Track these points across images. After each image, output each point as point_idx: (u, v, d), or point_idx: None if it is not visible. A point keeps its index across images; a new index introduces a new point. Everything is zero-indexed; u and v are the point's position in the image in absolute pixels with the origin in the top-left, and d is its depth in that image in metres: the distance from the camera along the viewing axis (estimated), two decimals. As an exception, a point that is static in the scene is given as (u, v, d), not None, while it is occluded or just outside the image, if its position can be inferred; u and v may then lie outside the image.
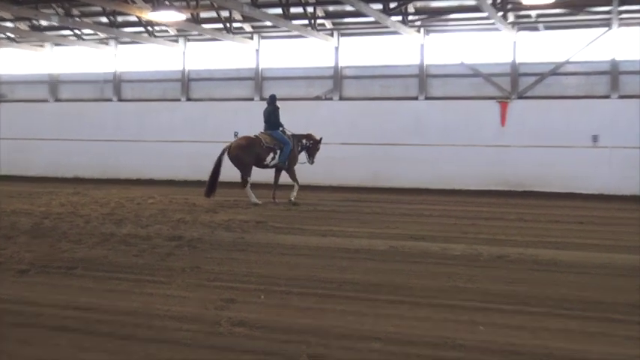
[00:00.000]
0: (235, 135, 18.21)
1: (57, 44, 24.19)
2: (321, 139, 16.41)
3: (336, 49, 21.09)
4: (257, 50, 21.96)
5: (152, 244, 9.66)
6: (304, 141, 16.15)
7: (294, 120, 20.81)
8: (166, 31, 22.48)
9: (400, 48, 20.66)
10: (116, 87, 23.69)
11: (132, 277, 7.62)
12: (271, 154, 15.38)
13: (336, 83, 21.15)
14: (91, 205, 14.52)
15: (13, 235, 10.29)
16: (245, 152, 15.05)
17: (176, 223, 11.91)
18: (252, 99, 21.99)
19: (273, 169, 15.71)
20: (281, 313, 6.25)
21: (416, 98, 20.42)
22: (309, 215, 13.35)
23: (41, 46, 24.49)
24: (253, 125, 20.05)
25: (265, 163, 15.38)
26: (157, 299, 6.71)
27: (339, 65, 21.15)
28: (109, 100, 23.77)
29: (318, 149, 16.35)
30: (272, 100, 15.78)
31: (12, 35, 23.63)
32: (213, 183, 15.05)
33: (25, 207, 13.91)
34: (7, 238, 10.02)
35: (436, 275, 7.86)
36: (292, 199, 15.28)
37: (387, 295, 6.95)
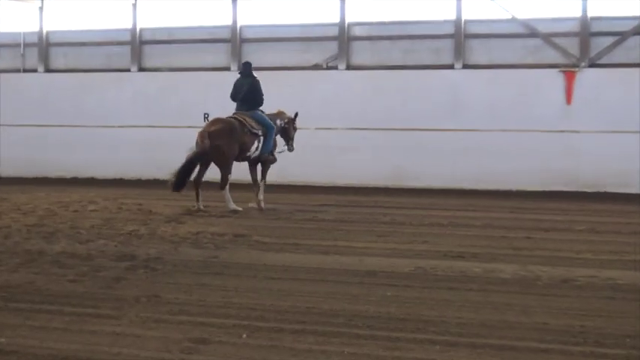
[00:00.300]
0: (206, 118, 18.26)
1: (-38, -5, 24.32)
2: (296, 115, 16.64)
3: (343, -1, 21.22)
4: (234, 2, 22.07)
5: (95, 266, 9.74)
6: (278, 121, 16.35)
7: (282, 97, 20.97)
8: (111, -24, 22.63)
9: (429, -2, 20.81)
10: (42, 52, 23.80)
11: (68, 310, 7.70)
12: (255, 143, 15.51)
13: (342, 46, 21.27)
14: (11, 213, 14.59)
15: None
16: (229, 141, 15.17)
17: (127, 237, 11.98)
18: (227, 68, 22.12)
19: (246, 163, 15.96)
20: (270, 358, 6.34)
21: (451, 67, 20.54)
22: (307, 226, 13.44)
23: (-60, -3, 24.64)
24: (226, 104, 20.16)
25: (248, 154, 15.53)
26: (103, 339, 6.79)
27: (347, 22, 21.27)
28: (34, 70, 23.89)
29: (295, 129, 16.70)
30: (248, 69, 16.03)
31: None
32: (184, 178, 15.16)
33: None
34: None
35: (478, 306, 7.95)
36: (262, 203, 15.54)
37: (413, 332, 7.03)
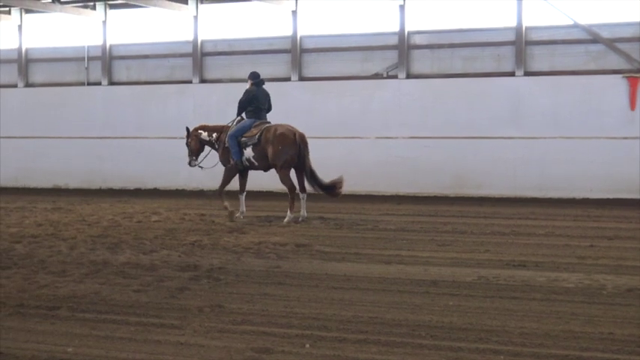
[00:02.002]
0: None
1: (27, 10, 24.76)
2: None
3: (402, 7, 21.19)
4: (294, 12, 22.19)
5: (159, 276, 9.90)
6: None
7: (342, 107, 21.04)
8: (172, -12, 22.86)
9: (490, 5, 20.67)
10: (106, 65, 24.16)
11: (133, 320, 7.82)
12: None
13: (402, 55, 21.25)
14: (77, 224, 14.88)
15: (-25, 265, 10.63)
16: None
17: (190, 247, 12.15)
18: (288, 79, 22.22)
19: (241, 172, 16.41)
20: (333, 367, 6.38)
21: (512, 74, 20.40)
22: (368, 236, 13.48)
23: (6, 13, 25.10)
24: (290, 113, 20.30)
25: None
26: (167, 349, 6.89)
27: (406, 30, 21.25)
28: (97, 83, 24.24)
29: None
30: (260, 79, 16.34)
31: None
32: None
33: (-12, 228, 14.35)
34: (-31, 269, 10.37)
35: (542, 315, 7.90)
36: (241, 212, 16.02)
37: (475, 342, 7.02)
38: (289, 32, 22.26)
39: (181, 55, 23.45)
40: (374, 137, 20.68)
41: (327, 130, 21.14)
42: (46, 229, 14.26)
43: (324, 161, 20.91)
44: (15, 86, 25.24)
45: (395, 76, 21.31)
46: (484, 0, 20.72)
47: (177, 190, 22.24)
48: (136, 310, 8.25)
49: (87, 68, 24.43)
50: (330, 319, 7.77)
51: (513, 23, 20.34)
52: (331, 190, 15.68)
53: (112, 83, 24.13)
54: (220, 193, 16.37)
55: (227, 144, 16.07)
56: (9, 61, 25.36)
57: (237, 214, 15.81)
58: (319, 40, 22.17)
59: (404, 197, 19.91)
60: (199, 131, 16.88)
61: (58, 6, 23.56)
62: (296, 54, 22.15)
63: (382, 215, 16.38)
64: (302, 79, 22.02)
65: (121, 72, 24.21)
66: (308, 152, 15.62)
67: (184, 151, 21.94)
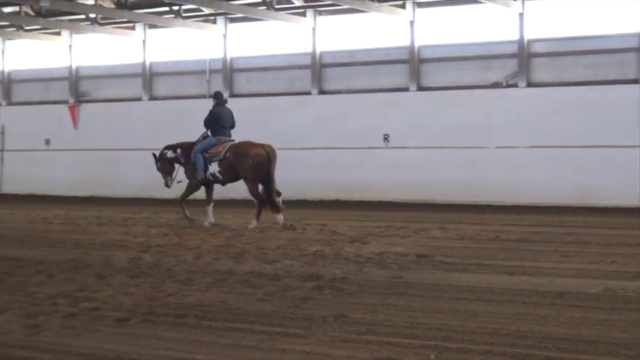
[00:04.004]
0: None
1: (151, 25, 25.40)
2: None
3: (521, 16, 20.94)
4: (411, 22, 22.18)
5: (282, 286, 9.99)
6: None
7: (461, 116, 20.91)
8: (291, 1, 23.08)
9: (612, 11, 20.23)
10: (227, 78, 24.58)
11: (258, 329, 7.91)
12: None
13: (522, 64, 20.99)
14: (201, 234, 15.20)
15: (106, 273, 10.96)
16: None
17: (312, 257, 12.24)
18: (406, 89, 22.21)
19: (207, 185, 17.24)
20: (459, 379, 6.34)
21: (636, 81, 19.93)
22: (491, 246, 13.34)
23: (131, 28, 25.80)
24: (409, 124, 20.33)
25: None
26: (293, 357, 6.95)
27: (526, 38, 20.98)
28: (219, 95, 24.62)
29: None
30: (223, 99, 17.55)
31: (94, 16, 25.02)
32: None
33: (119, 237, 14.76)
34: (100, 277, 10.69)
35: (674, 329, 7.70)
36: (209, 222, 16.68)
37: (604, 355, 6.88)
38: (407, 42, 22.24)
39: (300, 67, 23.69)
40: (494, 147, 20.50)
41: (446, 140, 21.08)
42: (172, 238, 14.59)
43: (443, 171, 20.92)
44: (140, 99, 25.91)
45: (515, 85, 21.08)
46: (606, 6, 20.29)
47: (297, 200, 22.39)
48: (261, 318, 8.33)
49: (208, 81, 24.91)
50: (454, 330, 7.71)
51: (637, 29, 19.86)
52: (274, 205, 16.10)
53: (233, 95, 24.50)
54: (181, 203, 17.16)
55: (193, 159, 16.91)
56: (134, 75, 26.06)
57: (205, 223, 16.54)
58: (437, 49, 22.09)
59: (525, 207, 19.62)
60: (164, 151, 17.67)
61: (180, 21, 24.09)
62: (414, 64, 22.11)
63: (504, 225, 16.18)
64: (420, 89, 21.97)
65: (241, 84, 24.60)
66: (275, 165, 16.30)
67: (304, 160, 22.27)
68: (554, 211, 18.91)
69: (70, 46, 27.22)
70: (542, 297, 9.17)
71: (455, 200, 20.45)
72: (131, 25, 25.64)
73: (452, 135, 21.07)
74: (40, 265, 11.78)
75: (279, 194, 16.31)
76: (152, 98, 25.88)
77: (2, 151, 28.08)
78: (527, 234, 14.79)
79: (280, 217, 16.08)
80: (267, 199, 16.15)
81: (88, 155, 26.17)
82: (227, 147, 16.64)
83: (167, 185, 17.83)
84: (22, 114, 28.02)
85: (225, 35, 24.59)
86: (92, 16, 25.13)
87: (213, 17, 24.52)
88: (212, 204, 17.07)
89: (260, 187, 16.32)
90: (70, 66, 27.25)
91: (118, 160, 25.57)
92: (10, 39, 28.19)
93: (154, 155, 17.82)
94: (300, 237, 14.65)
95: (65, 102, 27.00)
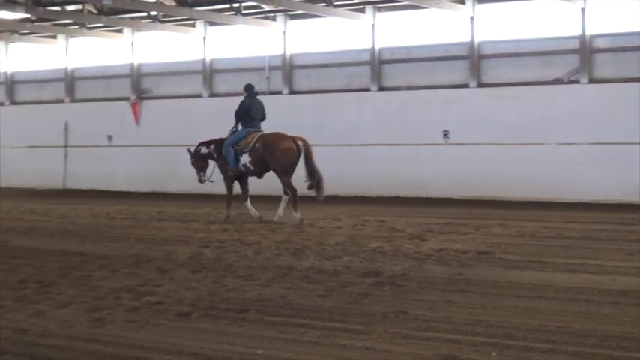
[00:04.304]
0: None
1: (211, 23, 25.55)
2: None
3: (583, 11, 20.68)
4: (471, 18, 22.00)
5: (342, 282, 10.01)
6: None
7: (522, 112, 20.72)
8: (349, -3, 23.11)
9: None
10: (286, 75, 24.64)
11: (319, 324, 7.94)
12: None
13: (584, 59, 20.72)
14: (261, 229, 15.30)
15: (168, 268, 11.09)
16: None
17: (371, 253, 12.25)
18: (466, 85, 22.07)
19: (241, 180, 17.43)
20: (521, 376, 6.29)
21: (701, 76, 19.60)
22: (552, 244, 13.21)
23: (191, 26, 25.99)
24: (468, 120, 20.22)
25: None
26: (354, 353, 6.96)
27: (588, 34, 20.71)
28: (278, 92, 24.74)
29: None
30: (254, 91, 17.51)
31: (155, 13, 25.26)
32: None
33: (180, 233, 14.91)
34: (162, 272, 10.82)
35: None
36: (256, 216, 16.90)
37: (670, 354, 6.79)
38: (467, 38, 22.09)
39: (359, 64, 23.66)
40: (555, 144, 20.28)
41: (506, 136, 20.94)
42: (232, 234, 14.70)
43: (503, 168, 20.77)
44: (200, 96, 26.10)
45: (576, 81, 20.82)
46: (671, 0, 19.96)
47: (356, 196, 22.42)
48: (322, 314, 8.36)
49: (268, 78, 24.99)
50: (516, 328, 7.66)
51: (703, 23, 19.54)
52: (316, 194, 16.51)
53: (292, 92, 24.59)
54: (228, 202, 17.24)
55: (224, 153, 17.05)
56: (194, 72, 26.26)
57: (256, 217, 16.85)
58: (497, 45, 21.91)
59: (586, 204, 19.36)
60: (199, 148, 17.90)
61: (240, 18, 24.21)
62: (474, 60, 21.95)
63: (565, 223, 16.01)
64: (480, 85, 21.82)
65: (301, 81, 24.65)
66: (312, 156, 16.53)
67: (363, 157, 22.29)
68: (616, 208, 18.63)
69: (132, 44, 27.50)
70: (605, 295, 9.07)
71: (515, 197, 20.26)
72: (192, 22, 25.83)
73: (512, 131, 20.90)
74: (103, 259, 11.95)
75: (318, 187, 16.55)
76: (212, 95, 26.06)
77: (66, 147, 28.48)
78: (589, 231, 14.61)
79: (297, 214, 16.28)
80: (316, 188, 16.47)
81: (150, 151, 26.42)
82: (256, 138, 16.79)
83: (200, 181, 18.01)
84: (85, 111, 28.39)
85: (284, 32, 24.64)
86: (153, 13, 25.38)
87: (272, 14, 24.59)
88: (248, 199, 17.26)
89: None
90: (132, 63, 27.53)
91: (179, 156, 25.71)
92: (73, 37, 28.56)
93: (189, 151, 18.07)
94: (359, 233, 14.66)
95: (127, 99, 27.29)
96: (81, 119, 28.22)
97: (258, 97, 17.68)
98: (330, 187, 22.77)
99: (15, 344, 7.27)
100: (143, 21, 25.96)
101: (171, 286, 9.79)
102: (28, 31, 28.24)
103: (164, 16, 25.52)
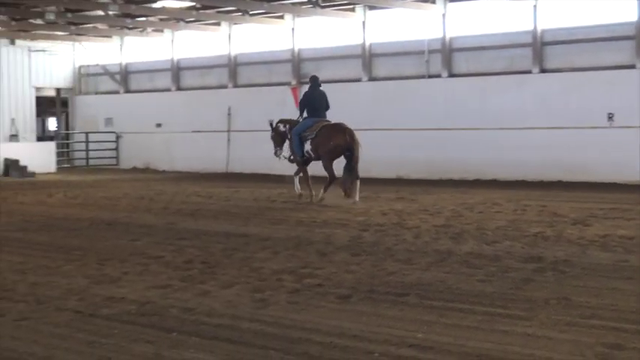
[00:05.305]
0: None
1: (370, 7, 25.60)
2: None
3: None
4: (639, -2, 21.26)
5: (502, 267, 9.89)
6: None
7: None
8: (512, -21, 22.71)
9: None
10: (445, 58, 24.46)
11: (479, 310, 7.86)
12: None
13: None
14: (420, 214, 15.26)
15: (328, 251, 11.21)
16: None
17: (533, 238, 12.04)
18: (632, 66, 21.33)
19: (306, 164, 18.09)
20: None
21: None
22: None
23: (351, 10, 26.10)
24: (631, 103, 19.62)
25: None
26: (515, 340, 6.86)
27: None
28: (437, 75, 24.60)
29: None
30: (317, 82, 18.18)
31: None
32: None
33: (339, 216, 15.03)
34: (322, 254, 10.94)
35: None
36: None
37: None
38: (633, 18, 21.34)
39: (521, 46, 23.23)
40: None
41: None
42: (391, 218, 14.72)
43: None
44: (359, 80, 26.21)
45: None
46: None
47: (516, 181, 22.08)
48: (482, 299, 8.28)
49: (427, 61, 24.87)
50: (685, 318, 7.41)
51: None
52: (345, 185, 17.11)
53: (451, 75, 24.40)
54: (294, 178, 17.97)
55: (292, 139, 18.01)
56: (354, 57, 26.39)
57: (298, 192, 17.72)
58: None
59: None
60: (279, 124, 18.66)
61: (399, 1, 24.18)
62: None
63: None
64: (650, 64, 21.10)
65: (460, 64, 24.42)
66: (357, 146, 17.06)
67: (523, 140, 22.00)
68: None
69: (293, 29, 27.85)
70: None
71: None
72: (351, 6, 25.95)
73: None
74: (265, 241, 12.17)
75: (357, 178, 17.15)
76: (371, 79, 26.13)
77: (229, 131, 29.15)
78: None
79: (356, 198, 17.02)
80: (348, 180, 17.10)
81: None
82: (319, 127, 17.50)
83: (276, 155, 18.79)
84: (247, 96, 28.97)
85: (444, 15, 24.44)
86: (314, -1, 25.67)
87: (432, -3, 24.47)
88: (297, 177, 17.92)
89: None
90: (293, 48, 27.90)
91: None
92: (236, 24, 29.16)
93: (271, 124, 18.82)
94: (520, 218, 14.45)
95: (288, 84, 27.68)
96: (243, 104, 28.81)
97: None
98: (488, 171, 22.72)
99: (182, 323, 7.50)
100: (303, 7, 26.25)
101: (331, 269, 9.89)
102: (193, 19, 29.02)
103: (324, 1, 25.74)
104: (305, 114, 17.97)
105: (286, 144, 18.48)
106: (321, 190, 17.25)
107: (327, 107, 18.03)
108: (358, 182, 17.14)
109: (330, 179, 17.31)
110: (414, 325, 7.36)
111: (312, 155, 17.68)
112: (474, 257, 10.57)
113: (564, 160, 21.53)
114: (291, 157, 18.36)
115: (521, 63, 23.22)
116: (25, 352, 6.65)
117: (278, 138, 18.66)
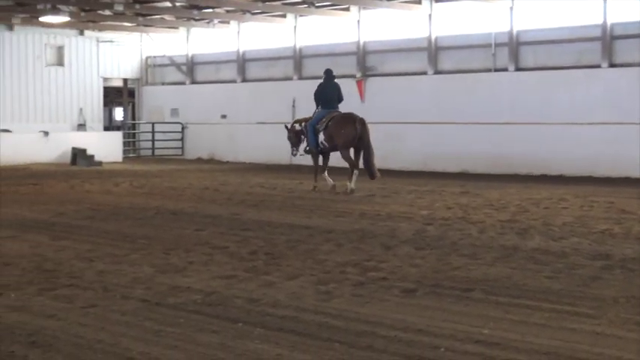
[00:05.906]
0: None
1: (437, -1, 25.49)
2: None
3: None
4: None
5: (569, 264, 9.76)
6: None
7: None
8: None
9: None
10: (512, 51, 24.20)
11: (546, 306, 7.77)
12: None
13: None
14: (485, 208, 15.13)
15: (392, 244, 11.17)
16: None
17: (600, 235, 11.87)
18: None
19: (322, 154, 18.75)
20: None
21: None
22: None
23: (417, 2, 25.97)
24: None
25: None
26: (583, 338, 6.77)
27: None
28: (504, 69, 24.37)
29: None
30: (331, 75, 18.87)
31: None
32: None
33: (403, 210, 14.97)
34: (387, 248, 10.90)
35: None
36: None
37: None
38: None
39: (590, 39, 22.89)
40: None
41: None
42: (456, 212, 14.63)
43: None
44: (425, 73, 26.07)
45: None
46: None
47: (583, 176, 21.79)
48: (549, 296, 8.18)
49: (494, 55, 24.65)
50: None
51: None
52: (371, 173, 17.85)
53: (518, 69, 24.15)
54: (315, 175, 18.77)
55: (307, 132, 18.61)
56: (419, 49, 26.26)
57: (330, 185, 18.23)
58: None
59: None
60: (294, 124, 19.40)
61: (466, -5, 24.01)
62: None
63: None
64: None
65: (527, 58, 24.16)
66: (368, 135, 17.65)
67: (592, 136, 21.72)
68: None
69: (358, 22, 27.80)
70: None
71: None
72: (417, -1, 25.85)
73: None
74: (329, 233, 12.18)
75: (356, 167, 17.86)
76: (437, 72, 25.97)
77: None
78: None
79: (352, 185, 17.70)
80: (365, 166, 17.80)
81: (375, 128, 26.43)
82: (331, 117, 18.07)
83: (293, 154, 19.68)
84: (312, 88, 28.88)
85: (511, 8, 24.19)
86: (380, -9, 25.59)
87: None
88: (326, 171, 18.61)
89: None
90: (358, 41, 27.85)
91: (403, 133, 25.89)
92: (302, 15, 29.20)
93: (286, 127, 19.57)
94: (587, 214, 14.26)
95: (353, 76, 27.63)
96: (307, 96, 28.76)
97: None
98: (555, 166, 22.46)
99: (247, 313, 7.53)
100: (369, -1, 26.20)
101: (395, 263, 9.86)
102: (259, 11, 29.12)
103: (390, -7, 25.64)
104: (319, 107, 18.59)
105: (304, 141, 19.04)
106: (348, 183, 17.80)
107: (340, 99, 18.63)
108: (357, 172, 17.79)
109: (352, 168, 17.79)
110: (480, 320, 7.30)
111: (327, 145, 18.19)
112: (541, 253, 10.45)
113: (634, 156, 21.17)
114: (307, 149, 18.86)
115: (590, 57, 22.89)
116: (92, 339, 6.74)
117: (294, 138, 19.37)
